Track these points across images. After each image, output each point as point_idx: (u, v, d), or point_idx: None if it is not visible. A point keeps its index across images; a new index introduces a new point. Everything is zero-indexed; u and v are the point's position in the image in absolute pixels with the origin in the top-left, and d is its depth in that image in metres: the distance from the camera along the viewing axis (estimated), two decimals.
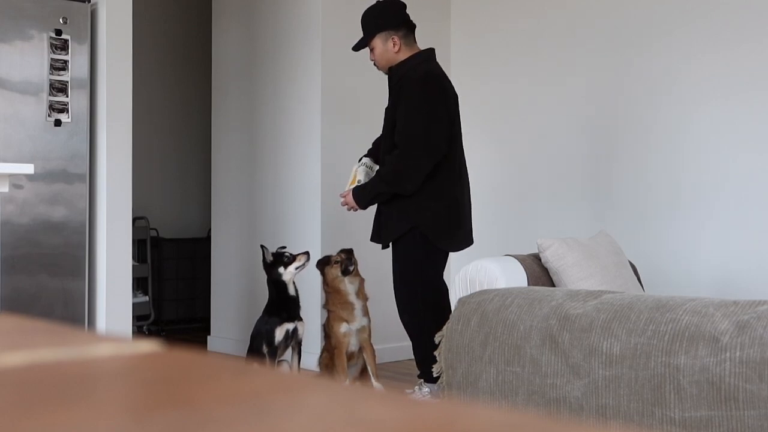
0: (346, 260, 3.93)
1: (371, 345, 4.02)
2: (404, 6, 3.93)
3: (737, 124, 4.27)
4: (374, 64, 3.95)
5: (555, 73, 5.03)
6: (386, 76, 3.96)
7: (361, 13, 3.98)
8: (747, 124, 4.24)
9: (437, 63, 3.93)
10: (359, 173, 3.90)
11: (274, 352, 3.98)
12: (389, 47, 3.82)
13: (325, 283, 3.99)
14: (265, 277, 4.10)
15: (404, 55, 3.84)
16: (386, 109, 3.93)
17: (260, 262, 5.26)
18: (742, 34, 4.26)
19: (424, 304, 3.73)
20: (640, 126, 4.65)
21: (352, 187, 3.86)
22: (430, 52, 3.92)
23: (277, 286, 4.00)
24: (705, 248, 4.37)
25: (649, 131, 4.61)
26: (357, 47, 3.95)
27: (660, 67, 4.57)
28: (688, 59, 4.46)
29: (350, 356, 4.00)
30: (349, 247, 4.10)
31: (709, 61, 4.38)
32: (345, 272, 3.93)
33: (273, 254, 4.03)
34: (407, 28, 3.88)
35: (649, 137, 4.61)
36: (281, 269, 3.99)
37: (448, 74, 5.72)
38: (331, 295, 3.97)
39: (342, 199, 3.90)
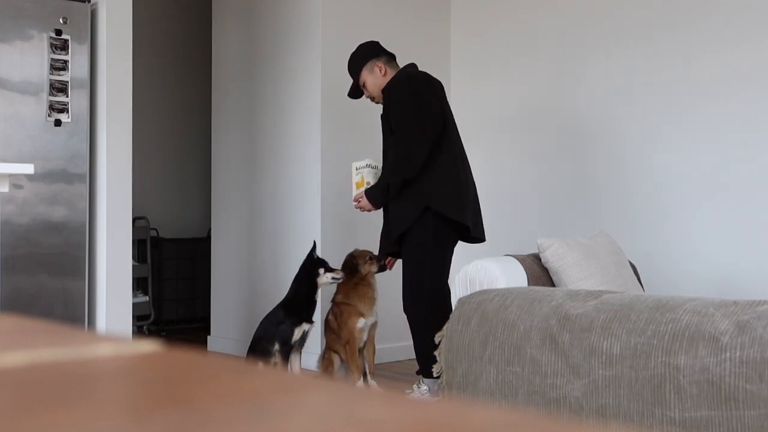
0: (380, 257, 4.08)
1: (373, 343, 4.13)
2: (377, 42, 4.14)
3: (738, 123, 4.27)
4: (372, 100, 4.09)
5: (555, 73, 5.03)
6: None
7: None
8: (748, 124, 4.24)
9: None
10: (367, 175, 3.94)
11: (289, 351, 3.98)
12: (377, 74, 4.02)
13: (356, 276, 4.05)
14: (270, 275, 4.11)
15: (391, 76, 4.02)
16: (381, 116, 4.03)
17: (260, 262, 5.27)
18: (742, 34, 4.26)
19: (430, 296, 3.76)
20: (640, 126, 4.65)
21: (364, 189, 3.92)
22: (411, 64, 4.08)
23: (310, 283, 4.07)
24: (705, 248, 4.37)
25: (650, 131, 4.61)
26: (352, 93, 4.13)
27: (661, 67, 4.57)
28: (689, 59, 4.46)
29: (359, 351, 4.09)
30: (352, 249, 4.17)
31: (710, 61, 4.38)
32: (381, 269, 4.09)
33: (318, 257, 4.14)
34: (387, 55, 4.08)
35: (650, 137, 4.61)
36: (321, 270, 4.08)
37: (448, 74, 5.70)
38: (360, 288, 4.03)
39: (355, 203, 3.96)
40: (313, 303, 4.07)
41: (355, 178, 3.97)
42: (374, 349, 4.14)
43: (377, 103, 4.09)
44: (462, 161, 3.92)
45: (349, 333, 4.00)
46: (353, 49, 4.16)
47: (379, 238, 4.07)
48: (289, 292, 4.12)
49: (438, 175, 3.80)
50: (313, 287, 4.07)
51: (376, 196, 3.87)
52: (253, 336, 4.16)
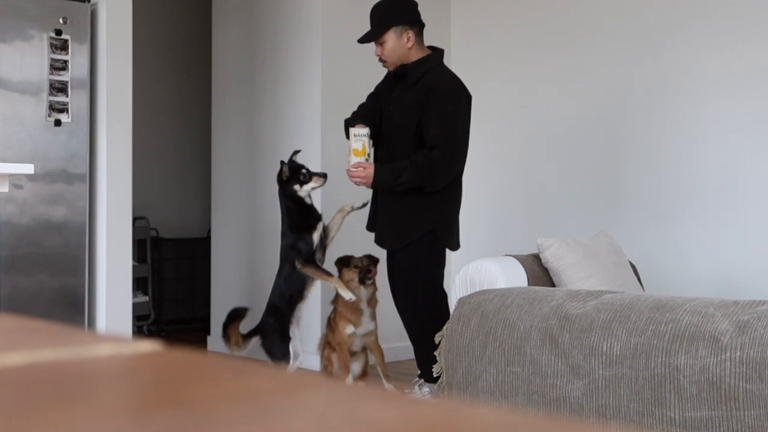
0: (365, 269, 3.86)
1: (379, 347, 4.00)
2: (417, 4, 3.85)
3: (739, 124, 4.27)
4: (380, 59, 3.81)
5: (556, 73, 5.03)
6: (385, 74, 3.93)
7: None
8: (749, 125, 4.24)
9: None
10: (368, 145, 3.67)
11: (313, 260, 3.83)
12: (403, 42, 3.72)
13: (344, 279, 3.96)
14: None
15: (416, 52, 3.76)
16: (385, 97, 3.85)
17: (260, 262, 5.27)
18: (749, 32, 4.26)
19: (424, 303, 3.73)
20: (640, 126, 4.65)
21: (364, 159, 3.65)
22: (441, 51, 3.86)
23: (294, 200, 3.85)
24: (705, 248, 4.37)
25: (650, 131, 4.61)
26: (364, 39, 3.81)
27: (662, 67, 4.57)
28: (689, 59, 4.46)
29: (351, 354, 4.00)
30: (352, 248, 4.08)
31: (710, 62, 4.37)
32: (361, 281, 3.87)
33: (290, 167, 3.84)
34: (420, 26, 3.80)
35: (650, 137, 4.61)
36: (296, 187, 3.82)
37: None
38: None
39: (353, 170, 3.67)
40: (311, 208, 3.87)
41: (355, 144, 3.67)
42: (382, 353, 4.01)
43: (385, 67, 3.83)
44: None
45: (340, 337, 3.93)
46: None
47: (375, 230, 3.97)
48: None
49: (447, 201, 3.73)
50: (298, 200, 3.83)
51: (384, 180, 3.63)
52: (279, 293, 3.96)
